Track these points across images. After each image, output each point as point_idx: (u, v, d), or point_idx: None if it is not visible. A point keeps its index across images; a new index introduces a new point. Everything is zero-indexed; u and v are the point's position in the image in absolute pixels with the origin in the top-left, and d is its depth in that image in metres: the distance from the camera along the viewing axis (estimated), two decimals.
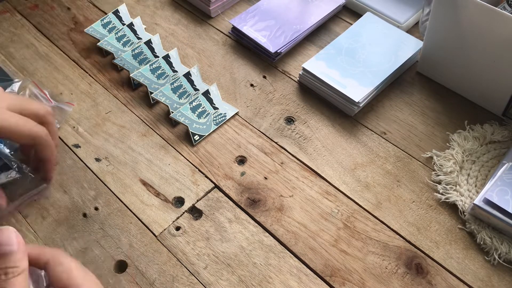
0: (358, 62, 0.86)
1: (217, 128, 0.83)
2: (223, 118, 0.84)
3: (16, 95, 0.68)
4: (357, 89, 0.82)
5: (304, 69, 0.86)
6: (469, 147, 0.77)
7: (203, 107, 0.84)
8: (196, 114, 0.83)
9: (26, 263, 0.38)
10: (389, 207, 0.73)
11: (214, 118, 0.84)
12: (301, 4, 0.98)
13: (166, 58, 0.90)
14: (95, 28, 0.96)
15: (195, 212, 0.74)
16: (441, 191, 0.74)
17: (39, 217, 0.74)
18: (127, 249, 0.70)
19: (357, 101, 0.81)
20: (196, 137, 0.81)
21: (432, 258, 0.68)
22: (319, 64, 0.86)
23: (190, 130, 0.81)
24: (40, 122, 0.67)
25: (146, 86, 0.87)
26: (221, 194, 0.76)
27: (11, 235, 0.38)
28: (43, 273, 0.42)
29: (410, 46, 0.88)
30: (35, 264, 0.41)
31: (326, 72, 0.85)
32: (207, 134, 0.82)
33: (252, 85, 0.89)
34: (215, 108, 0.85)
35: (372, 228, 0.71)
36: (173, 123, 0.84)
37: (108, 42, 0.94)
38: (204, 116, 0.83)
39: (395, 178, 0.76)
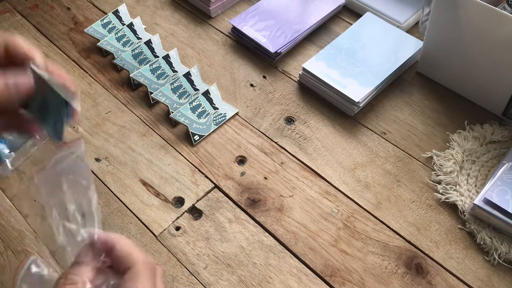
0: (358, 62, 0.86)
1: (217, 128, 0.83)
2: (223, 118, 0.84)
3: None
4: (357, 89, 0.82)
5: (304, 69, 0.86)
6: (469, 147, 0.77)
7: (203, 107, 0.84)
8: (196, 114, 0.83)
9: (87, 276, 0.41)
10: (389, 207, 0.73)
11: (214, 118, 0.84)
12: (301, 4, 0.98)
13: (166, 58, 0.90)
14: (95, 28, 0.96)
15: (195, 212, 0.74)
16: (441, 191, 0.74)
17: (39, 217, 0.73)
18: None
19: (357, 101, 0.81)
20: (196, 137, 0.81)
21: (432, 258, 0.68)
22: (319, 64, 0.86)
23: (190, 130, 0.81)
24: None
25: (146, 86, 0.87)
26: (221, 194, 0.76)
27: (87, 251, 0.43)
28: None
29: (410, 46, 0.88)
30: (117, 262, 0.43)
31: (326, 72, 0.85)
32: (207, 134, 0.82)
33: (252, 85, 0.89)
34: (215, 108, 0.85)
35: (372, 228, 0.71)
36: (173, 123, 0.84)
37: (108, 42, 0.94)
38: (204, 116, 0.83)
39: (395, 178, 0.76)
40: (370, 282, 0.66)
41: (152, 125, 0.84)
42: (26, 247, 0.71)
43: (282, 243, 0.70)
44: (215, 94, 0.86)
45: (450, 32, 0.79)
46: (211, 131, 0.83)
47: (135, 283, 0.41)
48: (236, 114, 0.85)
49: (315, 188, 0.76)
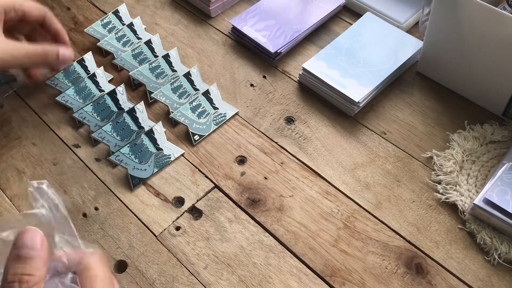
0: (358, 62, 0.86)
1: (217, 128, 0.83)
2: (223, 118, 0.84)
3: None
4: (357, 89, 0.82)
5: (304, 69, 0.86)
6: (469, 147, 0.77)
7: (203, 107, 0.84)
8: (196, 114, 0.83)
9: (44, 271, 0.35)
10: (389, 207, 0.73)
11: (214, 118, 0.84)
12: (301, 4, 0.98)
13: (166, 57, 0.90)
14: (95, 28, 0.96)
15: (195, 212, 0.74)
16: (441, 191, 0.74)
17: None
18: (127, 249, 0.70)
19: (357, 101, 0.81)
20: (196, 137, 0.81)
21: (432, 258, 0.68)
22: (319, 64, 0.86)
23: (190, 130, 0.81)
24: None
25: (145, 85, 0.87)
26: (221, 194, 0.76)
27: (36, 238, 0.35)
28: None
29: (410, 46, 0.88)
30: (70, 265, 0.39)
31: (326, 72, 0.85)
32: (207, 134, 0.82)
33: (252, 85, 0.89)
34: (215, 108, 0.85)
35: (372, 228, 0.71)
36: (173, 123, 0.84)
37: (108, 42, 0.94)
38: (204, 116, 0.83)
39: (395, 178, 0.76)
40: (370, 282, 0.66)
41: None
42: None
43: (282, 243, 0.70)
44: (215, 94, 0.86)
45: (450, 32, 0.79)
46: (211, 131, 0.83)
47: (94, 281, 0.38)
48: (236, 114, 0.85)
49: (315, 188, 0.76)
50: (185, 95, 0.86)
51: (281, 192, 0.75)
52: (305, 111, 0.85)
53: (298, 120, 0.84)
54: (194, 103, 0.84)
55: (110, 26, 0.97)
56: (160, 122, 0.81)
